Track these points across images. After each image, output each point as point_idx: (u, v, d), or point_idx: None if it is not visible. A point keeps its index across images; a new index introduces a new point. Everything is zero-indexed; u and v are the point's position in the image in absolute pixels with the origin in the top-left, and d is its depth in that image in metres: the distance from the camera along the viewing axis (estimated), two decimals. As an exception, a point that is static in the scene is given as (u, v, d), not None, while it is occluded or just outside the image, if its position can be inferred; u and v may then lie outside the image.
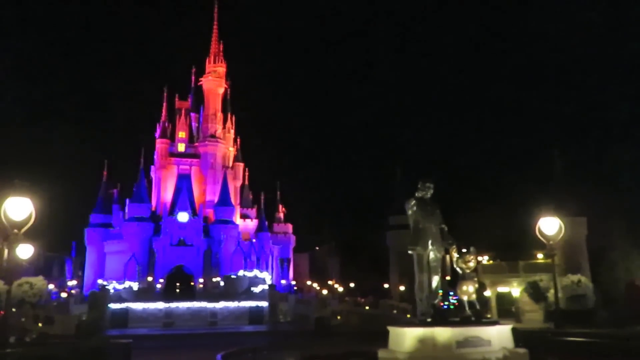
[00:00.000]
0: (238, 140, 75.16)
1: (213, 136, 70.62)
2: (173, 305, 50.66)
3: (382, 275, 62.49)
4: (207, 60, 74.61)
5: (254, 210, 71.36)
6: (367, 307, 45.91)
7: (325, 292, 63.00)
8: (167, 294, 53.73)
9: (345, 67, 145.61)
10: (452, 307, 11.19)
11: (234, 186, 70.68)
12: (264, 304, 52.12)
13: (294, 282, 71.43)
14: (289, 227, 74.91)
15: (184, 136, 71.12)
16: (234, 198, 69.14)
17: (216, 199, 66.11)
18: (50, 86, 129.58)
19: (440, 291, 11.32)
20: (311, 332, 34.75)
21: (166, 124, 70.80)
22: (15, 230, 13.19)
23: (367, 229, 72.86)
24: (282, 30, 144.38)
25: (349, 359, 11.65)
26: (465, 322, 10.81)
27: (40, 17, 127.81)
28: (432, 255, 11.36)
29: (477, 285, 11.43)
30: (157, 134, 70.25)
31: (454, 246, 11.50)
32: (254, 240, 66.97)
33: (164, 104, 71.99)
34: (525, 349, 10.84)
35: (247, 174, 74.06)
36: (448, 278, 11.56)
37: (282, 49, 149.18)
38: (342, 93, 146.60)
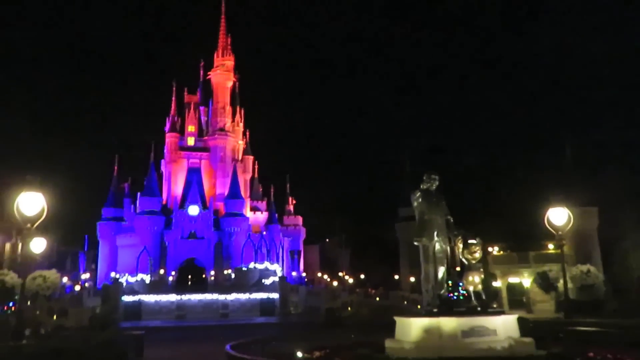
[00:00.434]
0: (247, 133, 75.36)
1: (222, 130, 70.89)
2: (185, 297, 51.19)
3: (392, 266, 62.66)
4: (215, 54, 74.73)
5: (264, 202, 71.67)
6: (377, 299, 46.14)
7: (335, 283, 63.29)
8: (179, 287, 54.28)
9: (356, 57, 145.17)
10: (461, 297, 11.29)
11: (243, 179, 70.99)
12: (275, 295, 52.48)
13: (304, 274, 71.76)
14: (299, 220, 75.17)
15: (193, 130, 71.43)
16: (244, 191, 69.47)
17: (226, 192, 66.47)
18: (61, 81, 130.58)
19: (450, 282, 11.41)
20: (322, 323, 34.96)
21: (175, 118, 71.14)
22: (28, 225, 13.44)
23: (377, 221, 73.02)
24: (290, 21, 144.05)
25: (357, 348, 11.77)
26: (470, 312, 10.90)
27: (51, 10, 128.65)
28: (437, 246, 11.44)
29: (482, 276, 11.51)
30: (167, 128, 70.67)
31: (460, 237, 11.57)
32: (264, 233, 67.31)
33: (173, 98, 72.33)
34: (531, 338, 10.90)
35: (256, 166, 74.30)
36: (458, 269, 11.64)
37: (290, 40, 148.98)
38: (351, 84, 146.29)
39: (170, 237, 61.94)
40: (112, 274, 58.65)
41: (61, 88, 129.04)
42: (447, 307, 10.91)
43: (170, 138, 69.96)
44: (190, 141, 70.96)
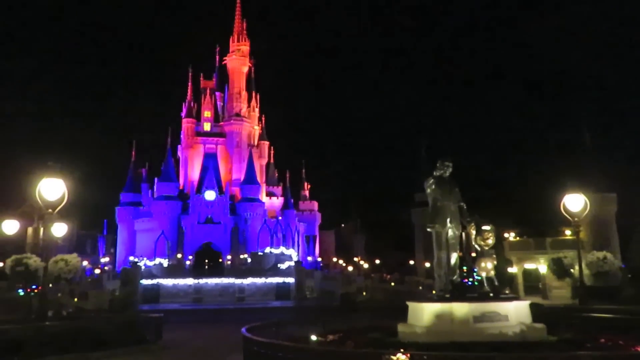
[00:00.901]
0: (263, 118, 75.54)
1: (238, 115, 71.14)
2: (202, 281, 51.94)
3: (407, 252, 62.75)
4: (230, 39, 74.72)
5: (280, 188, 72.04)
6: (392, 284, 46.33)
7: (350, 268, 63.64)
8: (196, 271, 55.05)
9: (372, 42, 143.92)
10: (476, 283, 11.39)
11: (259, 164, 71.35)
12: (291, 280, 52.98)
13: (319, 259, 72.24)
14: (315, 205, 75.47)
15: (209, 115, 71.81)
16: (260, 176, 69.87)
17: (242, 177, 66.93)
18: (79, 68, 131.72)
19: (464, 267, 11.50)
20: (337, 307, 35.29)
21: (192, 104, 71.53)
22: (50, 210, 13.78)
23: (393, 206, 73.08)
24: (306, 6, 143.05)
25: (369, 332, 11.95)
26: (482, 297, 10.99)
27: (65, 2, 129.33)
28: (450, 232, 11.52)
29: (495, 262, 11.57)
30: (183, 114, 71.16)
31: (472, 224, 11.62)
32: (280, 218, 67.76)
33: (189, 84, 72.66)
34: (542, 324, 10.97)
35: (272, 152, 74.58)
36: (473, 255, 11.71)
37: (305, 25, 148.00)
38: (368, 68, 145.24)
39: (187, 222, 62.72)
40: (131, 258, 59.67)
41: (80, 75, 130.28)
42: (459, 293, 11.01)
43: (186, 124, 70.46)
44: (207, 126, 71.38)
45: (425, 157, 55.51)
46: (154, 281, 51.46)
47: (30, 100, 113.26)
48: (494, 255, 11.65)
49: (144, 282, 50.77)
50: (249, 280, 52.61)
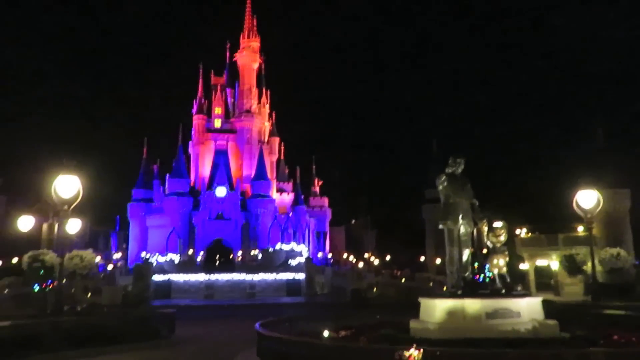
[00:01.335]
0: (273, 114, 75.65)
1: (248, 111, 71.31)
2: (213, 277, 52.20)
3: (418, 248, 62.72)
4: (241, 35, 74.84)
5: (290, 184, 72.17)
6: (403, 280, 46.31)
7: (361, 265, 63.66)
8: (208, 267, 55.34)
9: (381, 39, 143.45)
10: (487, 279, 11.40)
11: (270, 160, 71.52)
12: (301, 276, 53.12)
13: (330, 255, 72.31)
14: (325, 201, 75.51)
15: (220, 112, 72.05)
16: (270, 172, 70.04)
17: (253, 174, 67.14)
18: (92, 67, 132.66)
19: (476, 264, 11.52)
20: (347, 304, 35.37)
21: (202, 100, 71.80)
22: (65, 207, 13.99)
23: (404, 202, 73.00)
24: (317, 1, 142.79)
25: (381, 328, 12.02)
26: (494, 294, 11.00)
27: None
28: (462, 229, 11.53)
29: (507, 259, 11.57)
30: (194, 110, 71.48)
31: (484, 220, 11.62)
32: (290, 214, 67.93)
33: (200, 81, 72.95)
34: (555, 320, 10.96)
35: (282, 148, 74.72)
36: (485, 251, 11.72)
37: (316, 21, 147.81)
38: (377, 65, 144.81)
39: (198, 218, 63.08)
40: (143, 254, 60.14)
41: (92, 73, 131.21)
42: (471, 289, 11.03)
43: (197, 120, 70.76)
44: (217, 123, 71.63)
45: (436, 152, 55.35)
46: (166, 277, 51.81)
47: (45, 98, 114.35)
48: (506, 252, 11.65)
49: (156, 278, 51.09)
50: (259, 277, 52.82)
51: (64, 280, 25.42)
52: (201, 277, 52.07)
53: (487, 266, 11.51)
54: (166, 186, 66.21)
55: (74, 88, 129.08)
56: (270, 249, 59.39)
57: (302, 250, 62.07)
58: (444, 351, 8.68)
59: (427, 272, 48.76)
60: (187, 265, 54.61)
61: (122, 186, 71.10)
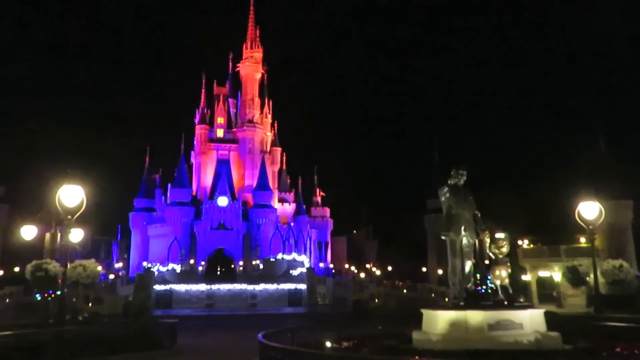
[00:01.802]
0: (275, 125, 75.94)
1: (251, 121, 71.59)
2: (214, 287, 52.18)
3: (420, 258, 62.49)
4: (244, 46, 75.34)
5: (292, 194, 72.25)
6: (405, 291, 46.19)
7: (362, 275, 63.50)
8: (209, 276, 55.33)
9: (384, 50, 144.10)
10: (490, 290, 11.39)
11: (271, 170, 71.66)
12: (303, 286, 53.02)
13: (331, 265, 72.20)
14: (327, 211, 75.52)
15: (222, 122, 72.37)
16: (272, 182, 70.15)
17: (255, 184, 67.25)
18: (95, 77, 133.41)
19: (478, 275, 11.52)
20: (349, 314, 35.24)
21: (205, 110, 72.17)
22: (69, 216, 14.05)
23: (405, 213, 72.74)
24: (319, 12, 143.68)
25: (384, 340, 12.02)
26: (497, 305, 11.00)
27: (81, 9, 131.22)
28: (465, 240, 11.56)
29: (509, 270, 11.59)
30: (197, 120, 71.78)
31: (487, 231, 11.65)
32: (292, 224, 67.93)
33: (203, 91, 73.39)
34: (557, 332, 10.95)
35: (284, 158, 74.89)
36: (487, 262, 11.73)
37: (318, 32, 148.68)
38: (379, 75, 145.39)
39: (199, 228, 63.10)
40: (144, 263, 60.14)
41: (96, 83, 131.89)
42: (474, 301, 11.04)
43: (199, 130, 71.05)
44: (220, 133, 71.92)
45: (438, 163, 55.40)
46: (167, 287, 51.79)
47: (48, 107, 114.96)
48: (508, 263, 11.67)
49: (157, 287, 51.10)
50: (261, 286, 52.75)
51: (65, 289, 25.46)
52: (202, 287, 52.05)
53: (490, 277, 11.51)
54: (168, 196, 66.33)
55: (77, 97, 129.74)
56: (272, 259, 59.34)
57: (303, 260, 62.00)
58: (447, 362, 8.67)
59: (429, 283, 48.57)
60: (188, 275, 54.58)
61: (124, 195, 71.13)
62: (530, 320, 10.82)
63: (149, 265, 57.74)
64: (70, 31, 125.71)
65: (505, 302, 11.13)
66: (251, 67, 73.64)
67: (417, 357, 8.37)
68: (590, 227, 19.80)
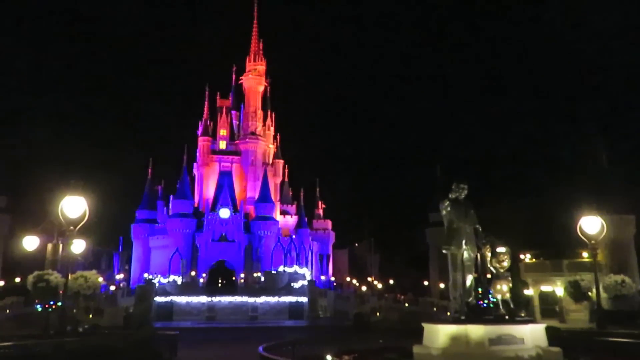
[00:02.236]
0: (278, 137, 76.18)
1: (253, 134, 71.87)
2: (215, 299, 51.98)
3: (421, 272, 62.28)
4: (247, 59, 75.90)
5: (294, 206, 72.24)
6: (406, 304, 45.97)
7: (364, 288, 63.28)
8: (210, 288, 55.16)
9: (386, 64, 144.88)
10: (491, 305, 11.37)
11: (274, 183, 71.76)
12: (304, 299, 52.80)
13: (333, 278, 71.95)
14: (329, 224, 75.45)
15: (225, 134, 72.65)
16: (274, 194, 70.20)
17: (257, 196, 67.31)
18: (99, 89, 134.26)
19: (480, 289, 11.50)
20: (350, 327, 35.11)
21: (208, 122, 72.50)
22: (71, 227, 14.11)
23: (407, 226, 72.71)
24: (322, 27, 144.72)
25: (384, 353, 11.99)
26: (498, 320, 10.97)
27: (87, 13, 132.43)
28: (466, 254, 11.56)
29: (510, 284, 11.56)
30: (199, 132, 72.09)
31: (488, 245, 11.65)
32: (293, 237, 67.83)
33: (206, 103, 73.79)
34: (559, 347, 10.91)
35: (286, 170, 75.02)
36: (489, 276, 11.72)
37: (322, 45, 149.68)
38: (382, 90, 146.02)
39: (201, 240, 63.05)
40: (145, 275, 60.00)
41: (99, 94, 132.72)
42: (475, 315, 11.01)
43: (202, 142, 71.32)
44: (222, 145, 72.17)
45: (440, 176, 55.38)
46: (168, 298, 51.63)
47: (51, 118, 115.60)
48: (510, 278, 11.65)
49: (158, 299, 50.95)
50: (262, 299, 52.55)
51: (67, 300, 25.43)
52: (203, 299, 51.87)
53: (491, 291, 11.49)
54: (170, 207, 66.37)
55: (81, 109, 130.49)
56: (273, 272, 59.17)
57: (305, 273, 61.80)
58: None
59: (431, 297, 48.36)
60: (189, 287, 54.43)
61: (125, 207, 71.22)
62: (531, 335, 10.78)
63: (150, 276, 57.62)
64: (73, 40, 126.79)
65: (507, 317, 11.11)
66: (254, 80, 74.12)
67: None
68: (592, 241, 19.76)
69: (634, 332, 18.34)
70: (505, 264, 11.50)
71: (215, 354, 21.59)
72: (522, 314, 11.41)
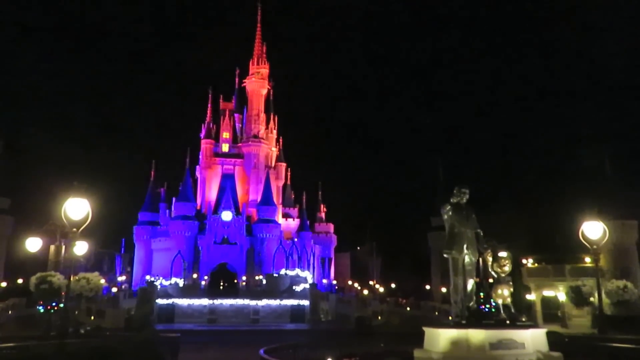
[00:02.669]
0: (280, 140, 76.29)
1: (256, 136, 71.98)
2: (217, 302, 51.99)
3: (423, 276, 62.12)
4: (250, 62, 76.09)
5: (296, 209, 72.29)
6: (408, 308, 45.93)
7: (366, 292, 63.17)
8: (212, 291, 55.17)
9: (389, 67, 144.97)
10: (492, 310, 11.38)
11: (276, 186, 71.82)
12: (305, 302, 52.77)
13: (335, 282, 71.87)
14: (331, 227, 75.44)
15: (228, 137, 72.80)
16: (276, 197, 70.26)
17: (259, 199, 67.37)
18: (101, 91, 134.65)
19: (482, 294, 11.51)
20: (352, 331, 35.06)
21: (211, 125, 72.67)
22: (74, 229, 14.15)
23: (409, 230, 72.51)
24: (325, 29, 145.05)
25: (385, 357, 11.99)
26: (499, 324, 10.98)
27: (85, 22, 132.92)
28: (467, 259, 11.58)
29: (512, 289, 11.57)
30: (202, 135, 72.25)
31: (489, 250, 11.67)
32: (295, 240, 67.84)
33: (209, 105, 74.00)
34: (559, 352, 10.91)
35: (289, 173, 75.09)
36: (491, 280, 11.73)
37: (325, 49, 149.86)
38: (385, 93, 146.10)
39: (203, 242, 63.11)
40: (147, 277, 60.07)
41: (102, 96, 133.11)
42: (476, 319, 11.02)
43: (205, 144, 71.47)
44: (225, 147, 72.30)
45: (442, 180, 55.37)
46: (170, 301, 51.67)
47: (54, 120, 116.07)
48: (511, 282, 11.66)
49: (160, 301, 50.99)
50: (263, 302, 52.54)
51: (69, 302, 25.49)
52: (205, 301, 51.89)
53: (492, 296, 11.50)
54: (172, 209, 66.47)
55: (84, 111, 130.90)
56: (275, 275, 59.18)
57: (306, 276, 61.80)
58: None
59: (433, 301, 48.29)
60: (191, 290, 54.48)
61: (128, 209, 71.29)
62: (532, 340, 10.78)
63: (152, 279, 57.68)
64: (74, 43, 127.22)
65: (508, 321, 11.11)
66: (257, 83, 74.30)
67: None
68: (594, 247, 19.73)
69: (636, 337, 18.30)
70: (507, 268, 11.50)
71: (216, 356, 21.60)
72: (523, 319, 11.41)
